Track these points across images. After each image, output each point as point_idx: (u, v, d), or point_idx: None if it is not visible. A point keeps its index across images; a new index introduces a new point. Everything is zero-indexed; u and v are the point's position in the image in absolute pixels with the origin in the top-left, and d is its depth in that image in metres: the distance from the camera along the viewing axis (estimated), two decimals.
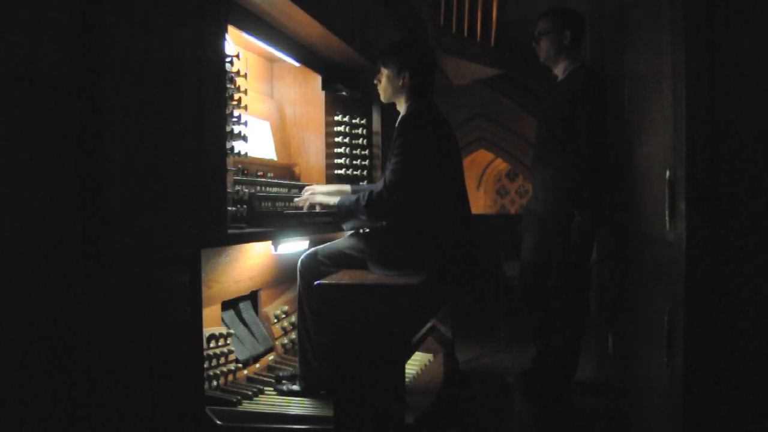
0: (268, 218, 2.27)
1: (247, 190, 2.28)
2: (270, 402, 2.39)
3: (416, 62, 2.60)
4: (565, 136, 2.96)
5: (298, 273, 2.51)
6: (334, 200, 2.55)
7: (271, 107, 3.17)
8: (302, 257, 2.53)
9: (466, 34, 5.88)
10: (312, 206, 2.60)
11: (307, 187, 2.78)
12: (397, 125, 2.55)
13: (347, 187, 2.84)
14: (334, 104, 3.27)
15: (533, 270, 3.10)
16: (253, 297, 2.87)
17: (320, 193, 2.68)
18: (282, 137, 3.21)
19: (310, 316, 2.45)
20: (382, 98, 2.70)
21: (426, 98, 2.63)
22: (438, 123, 2.60)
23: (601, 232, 3.22)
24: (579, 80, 2.93)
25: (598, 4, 3.58)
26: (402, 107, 2.65)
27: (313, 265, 2.48)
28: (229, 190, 2.08)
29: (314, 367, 2.46)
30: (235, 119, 2.27)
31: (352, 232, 2.67)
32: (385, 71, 2.64)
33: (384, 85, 2.66)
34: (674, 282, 1.64)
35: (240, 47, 2.56)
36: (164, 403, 1.71)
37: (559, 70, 3.09)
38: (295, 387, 2.48)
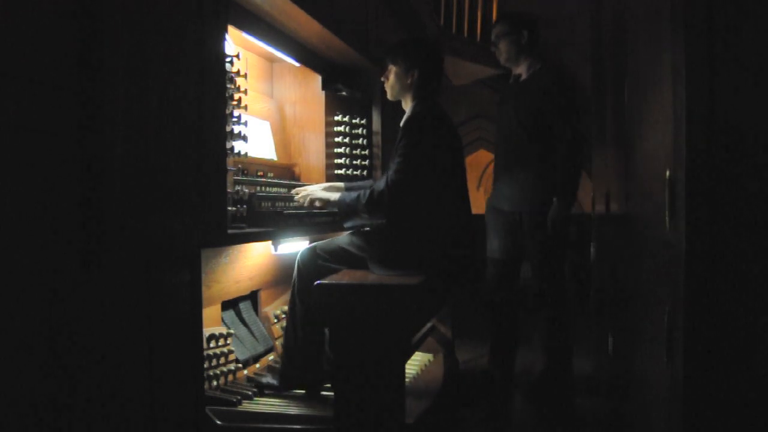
0: (268, 218, 2.27)
1: (247, 190, 2.28)
2: (270, 402, 2.39)
3: (425, 61, 2.61)
4: (539, 132, 3.05)
5: (295, 266, 2.50)
6: (334, 196, 2.55)
7: (271, 107, 3.17)
8: (301, 252, 2.53)
9: (466, 34, 5.89)
10: (312, 202, 2.60)
11: (297, 189, 2.77)
12: (402, 125, 2.55)
13: (341, 185, 2.84)
14: (334, 104, 3.27)
15: (504, 267, 3.20)
16: (253, 297, 2.87)
17: (318, 190, 2.68)
18: (282, 137, 3.21)
19: (300, 312, 2.45)
20: (389, 95, 2.70)
21: (432, 98, 2.63)
22: (443, 124, 2.60)
23: (600, 232, 3.23)
24: (550, 78, 3.05)
25: (598, 3, 3.58)
26: (407, 106, 2.65)
27: (312, 260, 2.48)
28: (229, 190, 2.08)
29: (295, 362, 2.44)
30: (235, 119, 2.27)
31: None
32: (393, 68, 2.64)
33: (391, 82, 2.65)
34: (674, 282, 1.64)
35: (240, 47, 2.56)
36: (164, 403, 1.71)
37: (522, 69, 3.19)
38: (274, 381, 2.47)
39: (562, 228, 3.03)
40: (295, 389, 2.47)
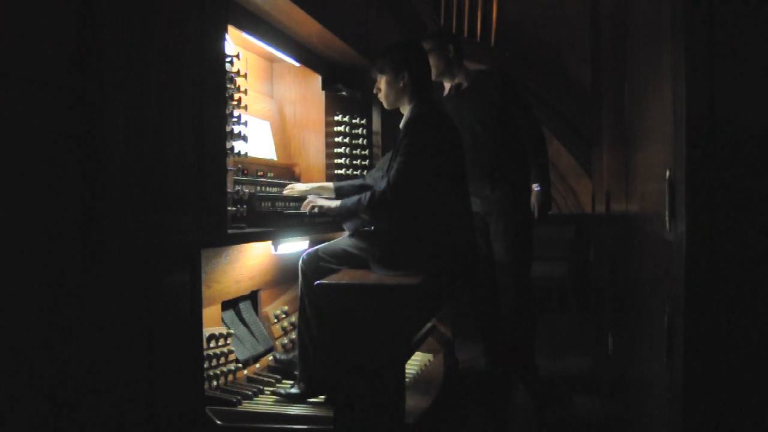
0: (268, 218, 2.27)
1: (247, 190, 2.28)
2: (270, 402, 2.39)
3: (412, 61, 2.59)
4: (501, 128, 3.18)
5: (299, 271, 2.50)
6: (335, 203, 2.55)
7: (271, 107, 3.17)
8: (303, 256, 2.53)
9: (466, 34, 5.89)
10: (313, 209, 2.60)
11: (288, 186, 2.77)
12: (402, 126, 2.55)
13: (330, 185, 2.84)
14: (334, 104, 3.27)
15: (484, 268, 3.25)
16: (253, 297, 2.87)
17: (317, 197, 2.69)
18: (282, 137, 3.21)
19: (312, 315, 2.45)
20: (386, 105, 2.67)
21: (429, 98, 2.62)
22: (442, 123, 2.59)
23: (600, 232, 3.23)
24: (500, 80, 3.20)
25: (598, 3, 3.59)
26: (406, 109, 2.64)
27: (315, 264, 2.48)
28: (229, 190, 2.08)
29: (314, 367, 2.45)
30: (235, 119, 2.26)
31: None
32: (383, 77, 2.62)
33: (385, 91, 2.63)
34: (674, 282, 1.64)
35: (240, 47, 2.56)
36: (164, 403, 1.71)
37: (461, 78, 3.31)
38: (295, 390, 2.46)
39: (546, 212, 3.19)
40: (319, 394, 2.45)
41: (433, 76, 3.28)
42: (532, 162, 3.21)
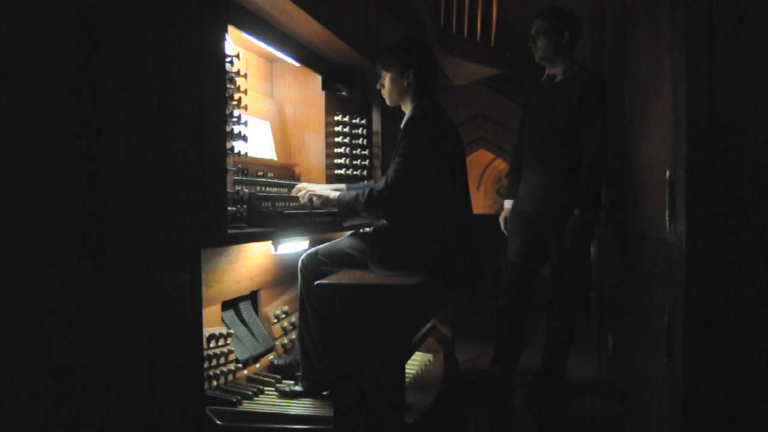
0: (268, 218, 2.27)
1: (247, 190, 2.28)
2: (270, 402, 2.39)
3: (419, 60, 2.59)
4: (571, 135, 2.97)
5: (299, 273, 2.51)
6: (333, 194, 2.54)
7: (271, 107, 3.17)
8: (303, 257, 2.53)
9: (466, 34, 5.89)
10: (311, 199, 2.58)
11: (299, 186, 2.76)
12: (402, 126, 2.55)
13: (342, 186, 2.83)
14: (334, 104, 3.27)
15: (519, 272, 3.13)
16: (253, 297, 2.87)
17: (318, 187, 2.67)
18: (282, 137, 3.21)
19: (312, 316, 2.45)
20: (388, 102, 2.68)
21: (431, 98, 2.62)
22: (443, 124, 2.59)
23: (601, 231, 3.22)
24: (586, 81, 2.95)
25: (598, 4, 3.59)
26: (407, 108, 2.64)
27: (314, 265, 2.48)
28: (229, 190, 2.08)
29: (316, 368, 2.45)
30: (235, 119, 2.27)
31: (352, 231, 2.67)
32: (387, 74, 2.62)
33: (389, 88, 2.63)
34: (674, 282, 1.64)
35: (240, 47, 2.56)
36: (164, 403, 1.71)
37: (558, 71, 3.08)
38: (298, 388, 2.47)
39: (581, 241, 2.96)
40: (321, 393, 2.47)
41: (536, 58, 3.11)
42: (583, 182, 2.92)
